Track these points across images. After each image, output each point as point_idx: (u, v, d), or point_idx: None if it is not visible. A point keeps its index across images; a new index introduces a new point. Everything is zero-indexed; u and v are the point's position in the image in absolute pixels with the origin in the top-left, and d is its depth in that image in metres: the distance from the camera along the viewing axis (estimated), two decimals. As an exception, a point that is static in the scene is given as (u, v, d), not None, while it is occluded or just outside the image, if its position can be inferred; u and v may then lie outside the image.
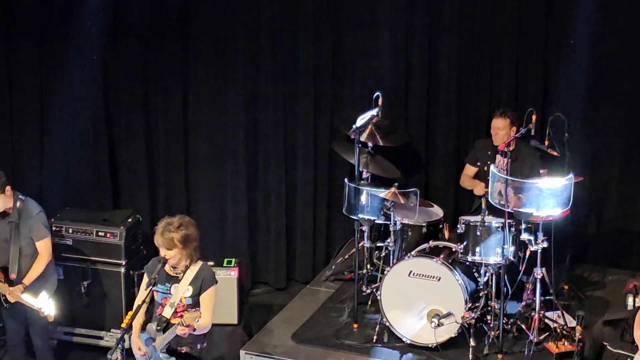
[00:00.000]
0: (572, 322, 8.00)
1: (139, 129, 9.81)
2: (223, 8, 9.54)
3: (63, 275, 8.78)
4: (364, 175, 8.94)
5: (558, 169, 8.27)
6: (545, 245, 8.01)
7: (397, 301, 8.09)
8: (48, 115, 9.75)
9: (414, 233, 8.55)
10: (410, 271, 8.05)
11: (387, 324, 8.14)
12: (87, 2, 9.48)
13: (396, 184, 8.40)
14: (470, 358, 7.89)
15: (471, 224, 8.08)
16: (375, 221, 8.53)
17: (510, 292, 8.20)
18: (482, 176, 8.85)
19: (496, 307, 8.00)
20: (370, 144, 9.00)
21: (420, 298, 8.03)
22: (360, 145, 8.36)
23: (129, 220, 9.00)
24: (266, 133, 9.74)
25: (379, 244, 8.82)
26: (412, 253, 8.22)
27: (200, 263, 7.04)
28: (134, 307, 7.00)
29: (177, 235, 6.86)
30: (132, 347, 7.14)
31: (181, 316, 6.78)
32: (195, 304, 6.94)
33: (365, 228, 8.63)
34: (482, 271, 8.11)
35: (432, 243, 8.32)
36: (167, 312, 6.96)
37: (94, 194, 9.86)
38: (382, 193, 8.36)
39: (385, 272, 8.20)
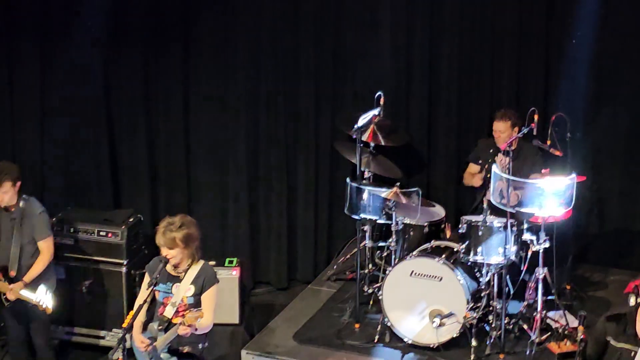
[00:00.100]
0: (574, 322, 7.94)
1: (140, 129, 9.81)
2: (223, 8, 9.54)
3: (64, 274, 8.79)
4: (366, 175, 8.92)
5: (560, 169, 8.25)
6: (547, 245, 8.00)
7: (399, 301, 8.08)
8: (48, 114, 9.75)
9: (415, 233, 8.56)
10: (412, 271, 8.04)
11: (389, 324, 8.13)
12: (87, 1, 9.47)
13: (398, 184, 8.39)
14: (471, 358, 7.87)
15: (473, 223, 8.06)
16: (377, 221, 8.57)
17: (512, 292, 8.21)
18: (487, 175, 8.77)
19: (498, 307, 7.99)
20: (372, 144, 8.99)
21: (422, 298, 8.02)
22: (361, 145, 8.35)
23: (130, 219, 9.00)
24: (267, 133, 9.74)
25: (380, 244, 8.82)
26: (414, 253, 8.22)
27: (201, 262, 7.03)
28: (135, 307, 6.99)
29: (179, 235, 6.85)
30: (133, 346, 7.11)
31: (183, 316, 6.77)
32: (196, 303, 6.93)
33: (367, 228, 8.64)
34: (484, 271, 8.10)
35: (433, 243, 8.32)
36: (169, 312, 6.94)
37: (95, 193, 9.86)
38: (384, 193, 8.36)
39: (387, 272, 8.19)
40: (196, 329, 6.76)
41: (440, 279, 7.97)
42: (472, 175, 8.99)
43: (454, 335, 7.96)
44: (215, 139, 9.83)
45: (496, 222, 8.01)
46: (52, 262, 8.20)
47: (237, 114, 9.72)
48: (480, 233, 8.00)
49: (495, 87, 9.36)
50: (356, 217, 8.50)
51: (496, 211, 8.09)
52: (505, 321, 7.94)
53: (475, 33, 9.32)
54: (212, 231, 9.70)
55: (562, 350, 7.88)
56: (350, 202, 8.52)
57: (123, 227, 8.86)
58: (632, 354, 6.14)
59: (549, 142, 8.34)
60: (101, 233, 8.84)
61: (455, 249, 8.19)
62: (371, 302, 8.66)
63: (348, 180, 8.61)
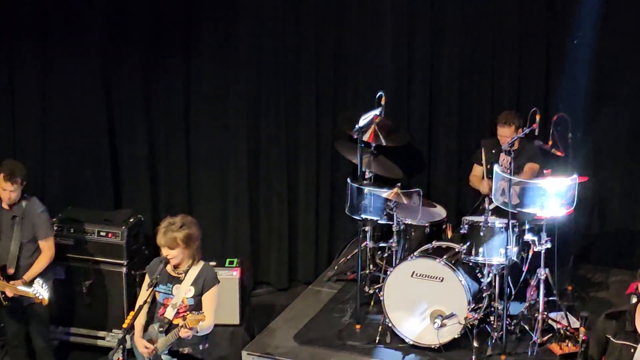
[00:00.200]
0: (575, 323, 7.96)
1: (140, 128, 9.80)
2: (225, 7, 9.52)
3: (64, 275, 8.80)
4: (367, 175, 8.90)
5: (562, 169, 8.24)
6: (548, 245, 7.98)
7: (400, 302, 8.07)
8: (49, 114, 9.73)
9: (416, 233, 8.55)
10: (413, 272, 8.02)
11: (390, 324, 8.11)
12: (88, 1, 9.49)
13: (399, 184, 8.39)
14: (473, 359, 7.85)
15: (474, 224, 8.05)
16: (378, 221, 8.54)
17: (513, 293, 8.20)
18: (489, 175, 8.79)
19: (499, 308, 7.98)
20: (372, 144, 8.97)
21: (423, 299, 8.01)
22: (362, 145, 8.35)
23: (131, 220, 9.01)
24: (268, 132, 9.73)
25: (381, 245, 8.81)
26: (415, 253, 8.20)
27: (202, 263, 7.01)
28: (136, 308, 6.97)
29: (180, 235, 6.83)
30: (134, 348, 7.10)
31: (183, 317, 6.75)
32: (197, 304, 6.91)
33: (367, 228, 8.63)
34: (485, 272, 8.09)
35: (435, 243, 8.31)
36: (169, 314, 6.93)
37: (95, 193, 9.84)
38: (385, 193, 8.35)
39: (388, 273, 8.17)
40: (197, 332, 6.74)
41: (442, 280, 7.95)
42: (478, 177, 8.97)
43: (455, 336, 7.94)
44: (216, 139, 9.81)
45: (498, 222, 7.99)
46: (51, 262, 8.19)
47: (238, 113, 9.71)
48: (481, 233, 7.99)
49: (496, 87, 9.34)
50: (357, 217, 8.47)
51: (498, 211, 8.09)
52: (507, 322, 7.93)
53: (476, 33, 9.30)
54: (212, 231, 9.68)
55: (564, 351, 7.87)
56: (351, 202, 8.50)
57: (123, 227, 8.86)
58: (632, 350, 6.13)
59: (550, 143, 8.33)
60: (101, 233, 8.84)
61: (456, 250, 8.17)
62: (372, 303, 8.64)
63: (349, 180, 8.57)
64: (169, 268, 6.99)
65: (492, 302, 8.06)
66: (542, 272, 8.00)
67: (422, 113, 9.54)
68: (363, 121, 8.36)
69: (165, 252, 6.88)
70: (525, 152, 8.63)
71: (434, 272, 7.97)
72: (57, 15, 9.56)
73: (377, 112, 8.70)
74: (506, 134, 8.57)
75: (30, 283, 7.89)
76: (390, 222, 8.43)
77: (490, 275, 8.07)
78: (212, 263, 7.53)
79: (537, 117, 8.05)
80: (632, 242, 9.35)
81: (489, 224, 7.99)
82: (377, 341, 8.15)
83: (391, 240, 8.46)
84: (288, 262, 9.87)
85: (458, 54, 9.33)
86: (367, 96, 9.23)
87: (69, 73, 9.64)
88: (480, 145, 8.97)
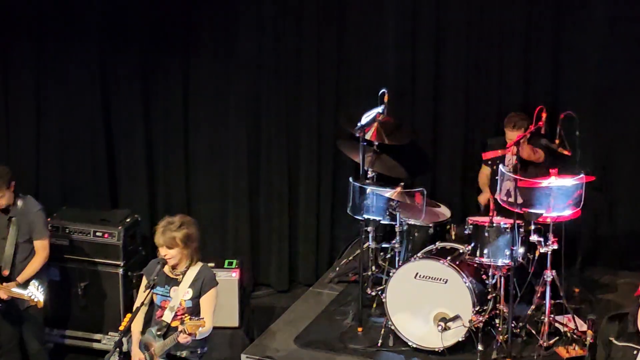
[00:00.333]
0: (582, 326, 7.93)
1: (138, 128, 9.79)
2: (225, 5, 9.50)
3: (59, 276, 8.78)
4: (369, 174, 8.89)
5: (569, 169, 8.17)
6: (555, 246, 7.94)
7: (403, 304, 8.04)
8: (45, 113, 9.73)
9: (420, 234, 8.51)
10: (417, 273, 7.98)
11: (393, 327, 8.07)
12: (86, 0, 9.51)
13: (402, 184, 8.38)
14: (477, 363, 7.85)
15: (479, 224, 8.00)
16: (381, 222, 8.52)
17: (519, 295, 8.15)
18: (493, 176, 8.79)
19: (505, 310, 7.93)
20: (375, 143, 8.92)
21: (426, 301, 7.97)
22: (365, 143, 8.30)
23: (128, 220, 9.00)
24: (268, 131, 9.70)
25: (384, 245, 8.81)
26: (419, 255, 8.18)
27: (200, 264, 6.96)
28: (133, 310, 6.94)
29: (179, 235, 6.79)
30: (131, 354, 7.06)
31: (181, 320, 6.72)
32: (195, 306, 6.87)
33: (370, 229, 8.59)
34: (490, 273, 8.04)
35: (439, 244, 8.28)
36: (167, 317, 6.89)
37: (91, 193, 9.85)
38: (388, 193, 8.36)
39: (391, 274, 8.13)
40: (196, 337, 6.69)
41: (446, 282, 7.92)
42: (485, 179, 8.96)
43: (460, 339, 7.90)
44: (216, 139, 9.80)
45: (503, 223, 7.94)
46: (46, 263, 8.14)
47: (238, 113, 9.69)
48: (486, 234, 7.94)
49: (504, 84, 9.29)
50: (359, 217, 8.46)
51: (503, 212, 8.05)
52: (512, 325, 7.89)
53: (483, 29, 9.25)
54: (211, 232, 9.67)
55: (571, 354, 7.82)
56: (353, 202, 8.50)
57: (120, 227, 8.85)
58: (635, 352, 6.15)
59: (557, 141, 8.26)
60: (97, 234, 8.83)
61: (461, 251, 8.13)
62: (374, 305, 8.61)
63: (351, 179, 8.57)
64: (166, 269, 6.95)
65: (497, 305, 8.02)
66: (549, 274, 7.96)
67: (426, 111, 9.49)
68: (365, 119, 8.34)
69: (163, 251, 6.84)
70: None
71: (438, 273, 7.94)
72: (54, 14, 9.56)
73: (379, 109, 8.67)
74: (514, 137, 8.49)
75: (25, 285, 7.83)
76: (393, 223, 8.43)
77: (496, 276, 8.02)
78: (211, 264, 7.52)
79: (544, 115, 8.00)
80: (641, 244, 9.33)
81: (495, 225, 7.94)
82: (379, 344, 8.11)
83: (394, 241, 8.46)
84: (288, 263, 9.85)
85: (464, 50, 9.28)
86: (369, 94, 9.17)
87: (66, 72, 9.67)
88: (486, 145, 8.93)
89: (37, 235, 8.06)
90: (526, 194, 7.88)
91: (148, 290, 6.85)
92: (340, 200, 9.46)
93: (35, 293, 7.71)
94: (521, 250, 7.95)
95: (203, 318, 6.64)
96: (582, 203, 7.76)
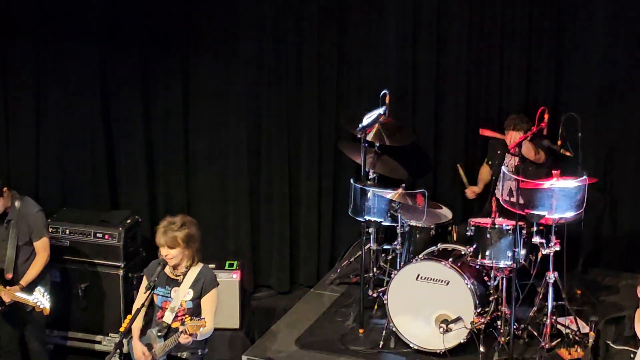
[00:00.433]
0: (585, 328, 7.94)
1: (138, 128, 9.75)
2: (225, 5, 9.48)
3: (60, 277, 8.77)
4: (371, 175, 8.88)
5: (571, 170, 8.17)
6: (557, 248, 7.92)
7: (405, 306, 8.02)
8: (45, 114, 9.70)
9: (422, 235, 8.49)
10: (418, 275, 7.97)
11: (394, 329, 8.06)
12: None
13: (403, 185, 8.37)
14: (479, 364, 7.84)
15: (481, 226, 7.98)
16: (382, 223, 8.50)
17: (521, 297, 8.12)
18: (494, 176, 8.83)
19: (507, 312, 7.92)
20: (377, 144, 8.90)
21: (428, 302, 7.95)
22: (366, 144, 8.28)
23: (128, 221, 8.98)
24: (269, 132, 9.68)
25: (385, 247, 8.81)
26: (420, 256, 8.16)
27: (200, 265, 6.96)
28: (133, 311, 6.93)
29: (180, 234, 6.79)
30: (131, 353, 7.05)
31: (182, 321, 6.71)
32: (196, 307, 6.86)
33: (371, 230, 8.57)
34: (492, 275, 8.04)
35: (440, 246, 8.27)
36: (168, 318, 6.88)
37: (91, 193, 9.81)
38: (389, 194, 8.34)
39: (392, 276, 8.12)
40: (197, 337, 6.69)
41: (447, 283, 7.90)
42: (482, 175, 9.01)
43: (461, 341, 7.89)
44: (216, 139, 9.77)
45: (505, 224, 7.92)
46: (48, 264, 8.13)
47: (238, 113, 9.66)
48: (488, 236, 7.92)
49: (505, 84, 9.26)
50: (360, 219, 8.46)
51: (505, 213, 8.01)
52: (514, 327, 7.87)
53: (484, 29, 9.22)
54: (212, 233, 9.63)
55: (573, 356, 7.82)
56: (355, 203, 8.50)
57: (120, 228, 8.84)
58: (632, 355, 6.16)
59: (559, 143, 8.26)
60: (97, 235, 8.82)
61: (462, 252, 8.12)
62: (376, 307, 8.60)
63: (352, 181, 8.57)
64: (167, 270, 6.94)
65: (499, 306, 8.01)
66: (551, 276, 7.95)
67: (428, 112, 9.46)
68: (367, 120, 8.31)
69: (164, 252, 6.84)
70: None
71: (440, 275, 7.92)
72: (54, 14, 9.51)
73: (381, 110, 8.64)
74: (515, 138, 8.48)
75: (30, 290, 7.80)
76: (395, 224, 8.41)
77: (498, 278, 8.02)
78: (212, 265, 7.51)
79: (546, 117, 7.98)
80: (644, 245, 9.32)
81: (496, 226, 7.91)
82: (380, 346, 8.09)
83: (395, 243, 8.44)
84: (289, 264, 9.82)
85: (465, 50, 9.25)
86: (370, 94, 9.18)
87: (66, 72, 9.62)
88: (487, 145, 8.95)
89: (36, 236, 8.05)
90: (528, 196, 7.87)
91: (148, 292, 6.83)
92: (341, 202, 9.44)
93: (42, 300, 7.70)
94: (523, 251, 7.92)
95: (204, 318, 6.64)
96: (584, 204, 7.75)
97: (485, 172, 9.04)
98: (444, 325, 7.81)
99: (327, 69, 9.50)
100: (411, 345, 8.00)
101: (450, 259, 7.98)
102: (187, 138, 9.77)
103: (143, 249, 9.03)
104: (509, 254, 7.84)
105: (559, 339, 7.97)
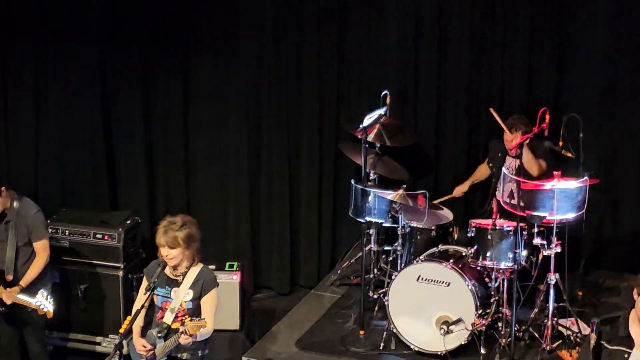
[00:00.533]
0: (586, 330, 7.89)
1: (138, 128, 9.74)
2: (225, 5, 9.46)
3: (59, 278, 8.75)
4: (371, 176, 8.87)
5: (572, 171, 8.16)
6: (558, 249, 7.90)
7: (405, 307, 8.01)
8: (44, 114, 9.69)
9: (422, 236, 8.49)
10: (419, 276, 7.95)
11: (395, 330, 8.05)
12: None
13: (404, 186, 8.36)
14: (480, 366, 7.83)
15: (482, 227, 7.97)
16: (383, 224, 8.48)
17: (522, 298, 8.11)
18: (494, 178, 8.81)
19: (508, 313, 7.90)
20: (377, 144, 8.89)
21: (429, 304, 7.94)
22: (367, 145, 8.26)
23: (128, 222, 8.98)
24: (269, 132, 9.66)
25: (386, 248, 8.80)
26: (421, 257, 8.16)
27: (200, 265, 6.96)
28: (133, 312, 6.92)
29: (181, 234, 6.79)
30: (130, 352, 7.06)
31: (182, 321, 6.71)
32: (196, 307, 6.86)
33: (372, 231, 8.55)
34: (493, 276, 8.03)
35: (441, 247, 8.27)
36: (168, 318, 6.88)
37: (91, 193, 9.80)
38: (390, 195, 8.32)
39: (393, 277, 8.11)
40: (197, 338, 6.69)
41: (448, 285, 7.89)
42: (478, 172, 9.04)
43: (462, 343, 7.88)
44: (216, 140, 9.75)
45: (506, 226, 7.91)
46: (48, 264, 8.12)
47: (238, 112, 9.65)
48: (489, 237, 7.91)
49: (506, 85, 9.24)
50: (361, 220, 8.44)
51: (506, 214, 8.01)
52: (515, 328, 7.85)
53: (485, 29, 9.20)
54: (212, 234, 9.62)
55: (574, 358, 7.79)
56: (355, 204, 8.48)
57: (120, 229, 8.83)
58: (626, 355, 6.28)
59: (561, 143, 8.24)
60: (97, 235, 8.82)
61: (463, 254, 8.11)
62: (376, 308, 8.60)
63: (353, 182, 8.55)
64: (167, 270, 6.93)
65: (500, 308, 7.99)
66: (552, 277, 7.92)
67: (429, 112, 9.44)
68: (367, 121, 8.28)
69: (164, 252, 6.83)
70: (534, 151, 8.50)
71: (440, 276, 7.91)
72: (54, 14, 9.50)
73: (382, 111, 8.62)
74: (511, 139, 8.46)
75: (31, 291, 7.80)
76: (396, 225, 8.40)
77: (499, 280, 8.01)
78: (212, 266, 7.48)
79: (547, 117, 7.95)
80: (645, 246, 9.30)
81: (497, 227, 7.90)
82: (381, 347, 8.08)
83: (396, 244, 8.43)
84: (290, 265, 9.80)
85: (466, 51, 9.23)
86: (370, 95, 9.17)
87: (66, 72, 9.61)
88: (488, 146, 8.95)
89: (36, 236, 8.04)
90: (529, 197, 7.86)
91: (148, 292, 6.83)
92: (341, 202, 9.43)
93: (45, 303, 7.71)
94: (524, 253, 7.92)
95: (204, 319, 6.63)
96: (585, 206, 7.74)
97: (482, 170, 9.03)
98: (444, 327, 7.80)
99: (327, 69, 9.48)
100: (412, 346, 7.99)
101: (451, 261, 7.96)
102: (187, 138, 9.75)
103: (143, 249, 9.03)
104: (510, 255, 7.83)
105: (560, 341, 7.94)
